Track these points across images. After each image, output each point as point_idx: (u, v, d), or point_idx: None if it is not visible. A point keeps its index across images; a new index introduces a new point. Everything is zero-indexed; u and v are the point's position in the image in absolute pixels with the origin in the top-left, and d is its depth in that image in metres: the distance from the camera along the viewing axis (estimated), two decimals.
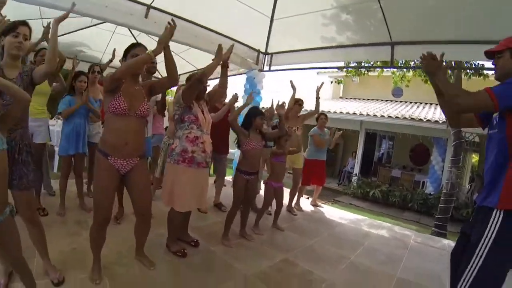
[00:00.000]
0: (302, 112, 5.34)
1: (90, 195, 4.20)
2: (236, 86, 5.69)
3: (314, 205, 5.88)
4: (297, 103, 5.03)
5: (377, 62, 6.72)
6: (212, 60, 2.85)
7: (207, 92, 3.14)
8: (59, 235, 2.92)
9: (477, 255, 1.58)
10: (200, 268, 2.78)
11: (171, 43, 2.37)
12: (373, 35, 4.85)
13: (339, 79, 13.68)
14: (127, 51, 2.42)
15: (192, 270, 2.71)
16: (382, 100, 12.49)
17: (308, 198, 6.26)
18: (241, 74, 7.12)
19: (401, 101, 12.18)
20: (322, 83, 5.19)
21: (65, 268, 2.33)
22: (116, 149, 2.21)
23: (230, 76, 7.35)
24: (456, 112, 1.90)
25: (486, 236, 1.57)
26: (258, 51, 6.67)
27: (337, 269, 3.13)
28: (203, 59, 5.15)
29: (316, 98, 5.09)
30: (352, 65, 7.70)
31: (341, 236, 4.31)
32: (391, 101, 12.36)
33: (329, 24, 5.03)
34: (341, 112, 10.59)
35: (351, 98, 13.74)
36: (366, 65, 7.57)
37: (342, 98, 14.18)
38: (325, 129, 5.62)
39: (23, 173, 2.00)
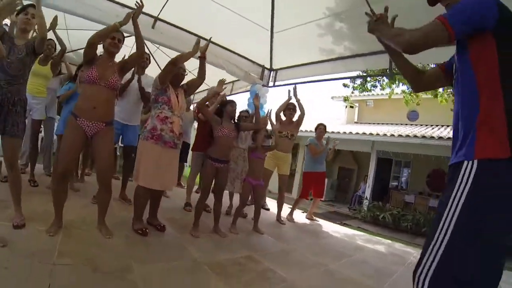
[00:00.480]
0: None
1: (80, 180, 4.38)
2: (240, 102, 5.64)
3: (309, 218, 5.49)
4: (287, 107, 4.85)
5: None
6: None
7: (186, 83, 3.27)
8: (39, 200, 3.08)
9: (445, 220, 1.12)
10: (155, 247, 2.67)
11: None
12: (370, 44, 4.66)
13: (354, 104, 13.42)
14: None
15: (145, 246, 2.64)
16: (397, 124, 11.98)
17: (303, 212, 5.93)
18: (245, 92, 7.14)
19: (416, 124, 11.59)
20: (295, 86, 5.05)
21: (31, 220, 2.48)
22: (85, 112, 2.48)
23: (236, 94, 7.50)
24: (406, 51, 1.42)
25: (457, 193, 1.12)
26: (263, 67, 6.69)
27: (306, 273, 2.79)
28: (215, 76, 5.24)
29: (296, 100, 4.92)
30: (353, 77, 7.52)
31: (327, 246, 3.95)
32: (407, 124, 11.81)
33: (325, 35, 4.96)
34: (350, 133, 10.18)
35: (365, 123, 13.29)
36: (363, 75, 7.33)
37: (357, 123, 13.76)
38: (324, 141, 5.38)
39: (15, 122, 2.33)
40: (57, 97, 3.99)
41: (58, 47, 3.85)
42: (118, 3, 4.46)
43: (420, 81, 1.69)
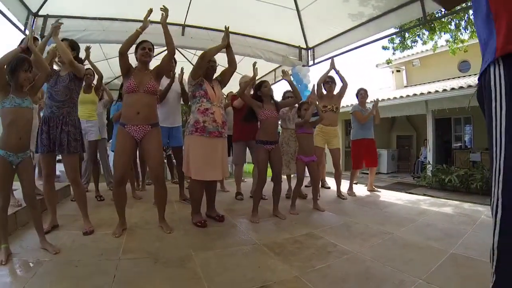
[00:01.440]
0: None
1: (141, 189, 4.66)
2: (285, 87, 5.47)
3: (371, 190, 5.13)
4: (325, 81, 4.58)
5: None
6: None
7: (219, 74, 3.26)
8: (106, 211, 3.29)
9: (496, 134, 0.88)
10: (213, 236, 2.69)
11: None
12: None
13: (400, 67, 12.42)
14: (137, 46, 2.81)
15: (204, 236, 2.68)
16: (449, 79, 10.71)
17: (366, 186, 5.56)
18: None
19: (469, 75, 10.22)
20: (332, 58, 4.81)
21: (99, 227, 2.70)
22: (130, 119, 2.60)
23: (280, 80, 7.29)
24: None
25: (496, 103, 0.87)
26: (299, 47, 6.52)
27: (369, 243, 2.57)
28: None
29: (336, 72, 4.62)
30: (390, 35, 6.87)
31: (390, 214, 3.62)
32: (459, 77, 10.48)
33: None
34: (401, 97, 9.30)
35: (415, 85, 12.13)
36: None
37: (406, 86, 12.61)
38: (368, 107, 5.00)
39: (68, 141, 2.54)
40: (107, 119, 4.28)
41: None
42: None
43: None
